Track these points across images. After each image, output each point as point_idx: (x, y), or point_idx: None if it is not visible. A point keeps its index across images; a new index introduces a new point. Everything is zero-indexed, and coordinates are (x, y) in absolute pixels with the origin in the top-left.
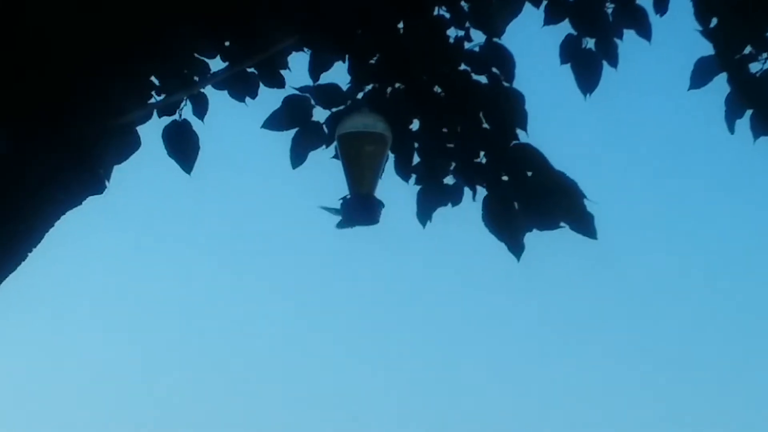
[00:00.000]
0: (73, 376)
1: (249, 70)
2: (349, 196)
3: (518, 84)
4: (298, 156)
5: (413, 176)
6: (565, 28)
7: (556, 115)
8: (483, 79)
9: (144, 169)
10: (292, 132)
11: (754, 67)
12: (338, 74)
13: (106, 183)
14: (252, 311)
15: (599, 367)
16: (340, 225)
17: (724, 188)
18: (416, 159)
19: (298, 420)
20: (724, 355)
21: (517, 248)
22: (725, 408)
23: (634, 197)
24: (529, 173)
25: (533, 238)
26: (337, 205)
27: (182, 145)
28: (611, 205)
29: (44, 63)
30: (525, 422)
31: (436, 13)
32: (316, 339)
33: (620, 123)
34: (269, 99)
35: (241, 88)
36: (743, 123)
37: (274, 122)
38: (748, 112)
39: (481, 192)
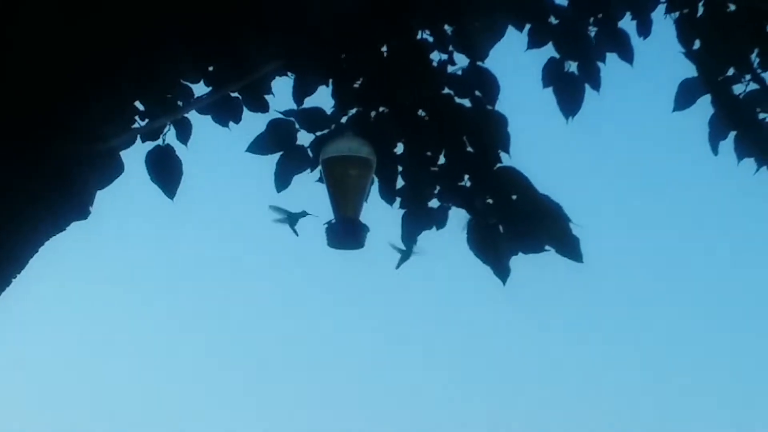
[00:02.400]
0: (55, 399)
1: (233, 94)
2: (334, 221)
3: (502, 107)
4: (282, 180)
5: (398, 200)
6: (548, 51)
7: (539, 138)
8: (467, 102)
9: (127, 195)
10: (276, 156)
11: (738, 89)
12: (322, 98)
13: (90, 208)
14: (235, 335)
15: (589, 383)
16: (331, 244)
17: (708, 209)
18: (400, 182)
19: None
20: (714, 367)
21: (502, 272)
22: (716, 416)
23: (618, 219)
24: (514, 196)
25: (519, 261)
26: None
27: (165, 170)
28: (595, 226)
29: (25, 87)
30: None
31: (419, 36)
32: (301, 361)
33: (604, 145)
34: (253, 123)
35: (224, 112)
36: (727, 144)
37: (259, 146)
38: (732, 134)
39: (466, 215)
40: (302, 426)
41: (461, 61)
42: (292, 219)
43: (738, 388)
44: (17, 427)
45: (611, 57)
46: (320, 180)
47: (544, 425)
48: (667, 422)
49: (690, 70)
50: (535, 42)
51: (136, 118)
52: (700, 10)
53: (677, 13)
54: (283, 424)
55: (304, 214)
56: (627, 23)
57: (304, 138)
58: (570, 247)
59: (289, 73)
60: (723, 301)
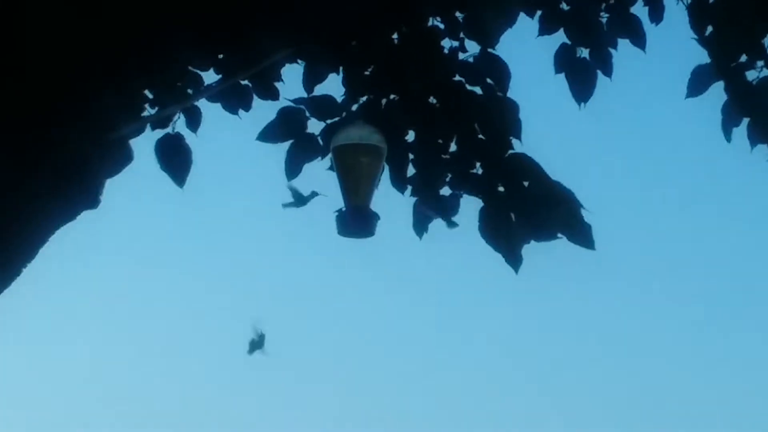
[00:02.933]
0: (67, 388)
1: (242, 82)
2: (344, 209)
3: (513, 93)
4: (293, 168)
5: (409, 188)
6: (559, 37)
7: (551, 125)
8: (478, 89)
9: (136, 183)
10: (287, 144)
11: (751, 75)
12: (333, 86)
13: (100, 197)
14: (245, 324)
15: (598, 374)
16: (342, 232)
17: (721, 196)
18: (411, 170)
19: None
20: (722, 357)
21: (514, 260)
22: (723, 410)
23: (631, 206)
24: (526, 183)
25: (531, 249)
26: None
27: (175, 159)
28: (608, 214)
29: (36, 76)
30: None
31: (430, 23)
32: (311, 351)
33: (616, 132)
34: (263, 111)
35: (234, 100)
36: (740, 131)
37: (269, 134)
38: (745, 121)
39: (478, 203)
40: (306, 421)
41: (472, 48)
42: (301, 201)
43: (754, 381)
44: (23, 420)
45: (623, 43)
46: (331, 168)
47: (550, 420)
48: (681, 414)
49: (702, 57)
50: (546, 28)
51: (146, 106)
52: None
53: None
54: (285, 419)
55: (314, 194)
56: (639, 9)
57: (315, 126)
58: (582, 235)
59: (299, 61)
60: (737, 289)
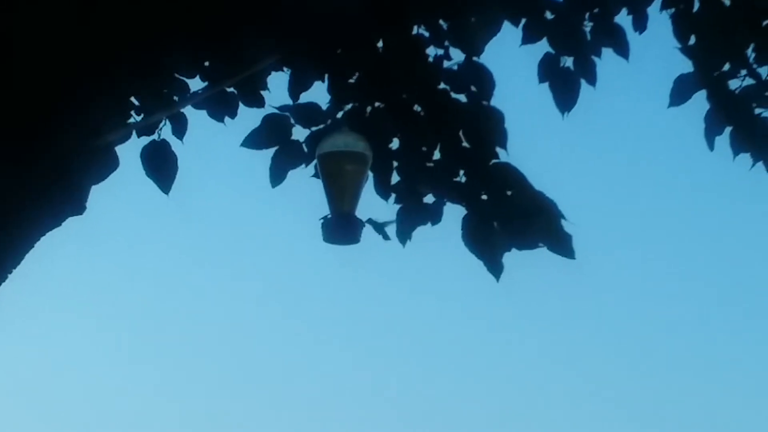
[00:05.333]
0: (51, 397)
1: (228, 90)
2: (329, 216)
3: (497, 102)
4: (277, 175)
5: (393, 195)
6: (544, 46)
7: (535, 134)
8: (462, 97)
9: (122, 189)
10: (272, 151)
11: (733, 84)
12: (318, 94)
13: (86, 203)
14: (232, 330)
15: (580, 381)
16: (327, 239)
17: (704, 205)
18: (396, 178)
19: None
20: (705, 364)
21: (495, 268)
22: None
23: (613, 214)
24: (509, 192)
25: (512, 257)
26: (385, 219)
27: (161, 165)
28: (590, 222)
29: (23, 83)
30: None
31: (415, 31)
32: (296, 358)
33: (600, 141)
34: (248, 119)
35: (220, 107)
36: (723, 140)
37: (253, 141)
38: (728, 129)
39: (461, 211)
40: (299, 427)
41: (457, 56)
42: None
43: (732, 387)
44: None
45: (607, 52)
46: (316, 175)
47: (535, 424)
48: (659, 421)
49: (686, 66)
50: (529, 37)
51: (132, 113)
52: (696, 6)
53: (673, 9)
54: (279, 424)
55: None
56: (623, 18)
57: (299, 133)
58: (562, 244)
59: (285, 69)
60: (718, 297)
